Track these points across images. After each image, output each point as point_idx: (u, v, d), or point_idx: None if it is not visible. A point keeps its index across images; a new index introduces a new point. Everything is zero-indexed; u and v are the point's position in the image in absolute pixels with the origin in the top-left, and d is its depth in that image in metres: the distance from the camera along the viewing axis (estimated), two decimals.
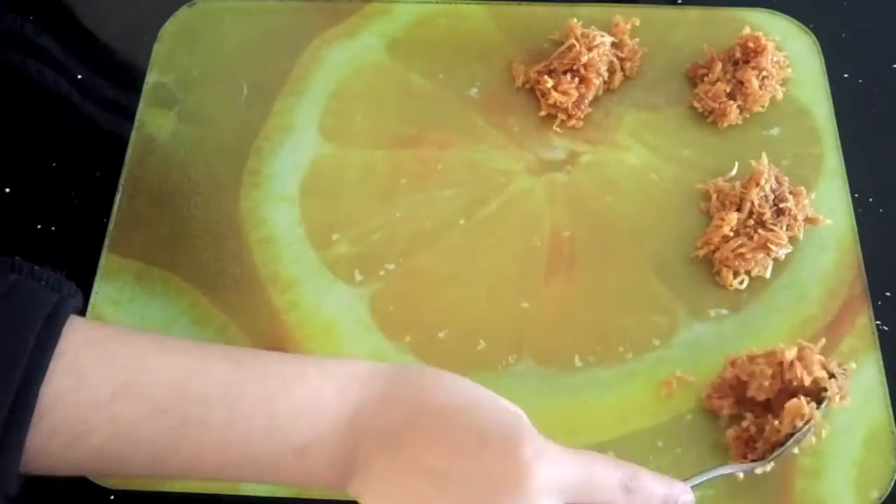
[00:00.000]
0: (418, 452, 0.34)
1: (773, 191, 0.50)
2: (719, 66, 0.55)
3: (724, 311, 0.48)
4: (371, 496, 0.35)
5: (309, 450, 0.34)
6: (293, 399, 0.35)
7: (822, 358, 0.44)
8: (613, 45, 0.55)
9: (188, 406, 0.33)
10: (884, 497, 0.43)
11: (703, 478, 0.41)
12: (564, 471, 0.35)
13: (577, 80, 0.54)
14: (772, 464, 0.43)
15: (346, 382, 0.36)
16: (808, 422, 0.42)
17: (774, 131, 0.54)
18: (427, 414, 0.35)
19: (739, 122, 0.54)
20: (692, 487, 0.38)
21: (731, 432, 0.44)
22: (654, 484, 0.37)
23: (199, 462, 0.34)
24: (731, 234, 0.49)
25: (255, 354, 0.36)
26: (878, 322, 0.48)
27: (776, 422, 0.42)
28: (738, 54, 0.55)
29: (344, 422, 0.35)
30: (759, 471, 0.43)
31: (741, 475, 0.43)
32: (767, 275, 0.49)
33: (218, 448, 0.34)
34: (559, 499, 0.35)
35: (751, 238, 0.49)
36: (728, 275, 0.48)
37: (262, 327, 0.48)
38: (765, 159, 0.51)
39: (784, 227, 0.49)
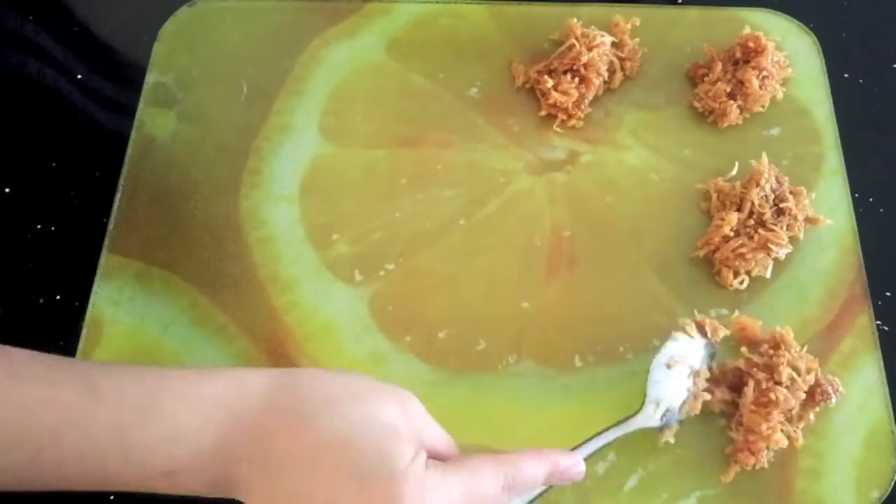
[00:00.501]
0: (299, 482, 0.34)
1: (773, 191, 0.50)
2: (719, 65, 0.55)
3: (724, 311, 0.48)
4: None
5: (174, 475, 0.34)
6: (147, 433, 0.34)
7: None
8: (613, 44, 0.55)
9: (41, 435, 0.33)
10: (884, 497, 0.43)
11: (592, 447, 0.42)
12: (450, 492, 0.35)
13: (577, 79, 0.54)
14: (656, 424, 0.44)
15: (209, 410, 0.34)
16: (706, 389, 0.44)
17: (775, 131, 0.54)
18: (300, 439, 0.34)
19: (739, 121, 0.54)
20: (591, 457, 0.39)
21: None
22: (533, 469, 0.37)
23: (66, 483, 0.34)
24: (732, 234, 0.49)
25: (112, 375, 0.35)
26: (878, 322, 0.48)
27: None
28: (738, 54, 0.55)
29: (207, 451, 0.34)
30: (657, 425, 0.44)
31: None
32: (768, 275, 0.49)
33: (80, 474, 0.33)
34: None
35: (751, 238, 0.49)
36: (728, 275, 0.48)
37: (261, 327, 0.48)
38: (765, 159, 0.51)
39: (784, 227, 0.49)
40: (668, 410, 0.44)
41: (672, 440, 0.44)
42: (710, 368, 0.45)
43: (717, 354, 0.46)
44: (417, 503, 0.33)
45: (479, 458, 0.36)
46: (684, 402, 0.44)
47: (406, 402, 0.37)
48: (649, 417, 0.44)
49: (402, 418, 0.35)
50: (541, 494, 0.39)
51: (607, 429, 0.43)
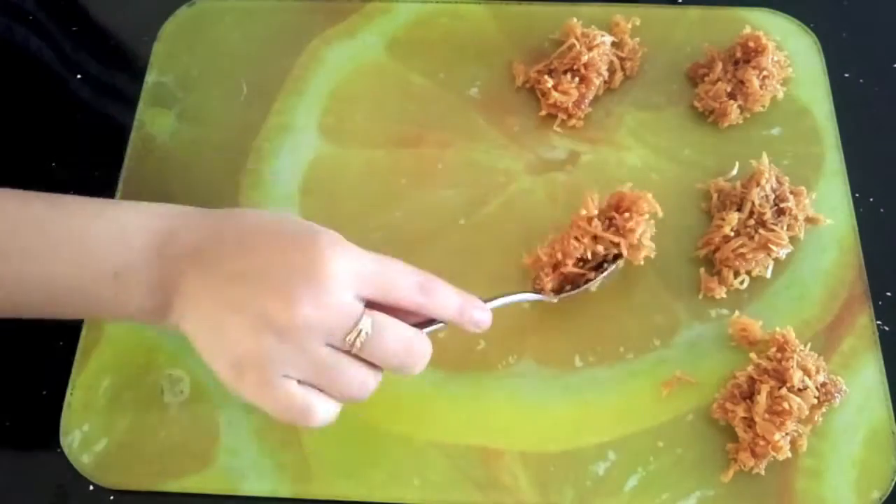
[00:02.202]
0: (225, 264, 0.37)
1: (773, 191, 0.50)
2: (720, 65, 0.54)
3: (724, 311, 0.48)
4: (190, 319, 0.38)
5: (123, 274, 0.37)
6: (102, 227, 0.38)
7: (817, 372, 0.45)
8: (614, 44, 0.55)
9: (2, 238, 0.37)
10: (884, 497, 0.43)
11: (500, 301, 0.43)
12: (362, 263, 0.38)
13: (577, 79, 0.54)
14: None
15: (157, 216, 0.39)
16: (615, 259, 0.47)
17: (775, 131, 0.54)
18: (232, 229, 0.38)
19: (740, 121, 0.54)
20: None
21: None
22: (448, 293, 0.40)
23: (24, 295, 0.38)
24: (732, 234, 0.48)
25: (75, 199, 0.40)
26: (878, 322, 0.48)
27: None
28: (738, 54, 0.55)
29: (153, 249, 0.38)
30: (555, 300, 0.47)
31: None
32: (768, 275, 0.49)
33: (40, 279, 0.37)
34: (357, 288, 0.37)
35: (751, 238, 0.48)
36: (728, 275, 0.48)
37: None
38: (765, 159, 0.51)
39: (785, 227, 0.49)
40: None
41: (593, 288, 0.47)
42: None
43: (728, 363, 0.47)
44: (329, 256, 0.37)
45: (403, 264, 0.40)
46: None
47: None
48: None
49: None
50: (438, 329, 0.41)
51: (515, 293, 0.46)
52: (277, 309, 0.36)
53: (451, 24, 0.59)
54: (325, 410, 0.38)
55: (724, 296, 0.48)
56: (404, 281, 0.39)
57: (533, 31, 0.58)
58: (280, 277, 0.36)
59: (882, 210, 0.52)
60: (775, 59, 0.54)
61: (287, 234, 0.38)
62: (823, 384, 0.44)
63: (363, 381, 0.38)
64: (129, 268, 0.38)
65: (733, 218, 0.49)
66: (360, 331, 0.37)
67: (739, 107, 0.53)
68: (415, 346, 0.39)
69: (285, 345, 0.36)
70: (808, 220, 0.50)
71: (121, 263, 0.37)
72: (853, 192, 0.52)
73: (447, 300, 0.40)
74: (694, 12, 0.59)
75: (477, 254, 0.50)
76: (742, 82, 0.54)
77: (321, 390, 0.38)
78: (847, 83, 0.56)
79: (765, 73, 0.53)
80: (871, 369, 0.47)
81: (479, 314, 0.41)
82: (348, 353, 0.38)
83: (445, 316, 0.40)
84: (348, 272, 0.37)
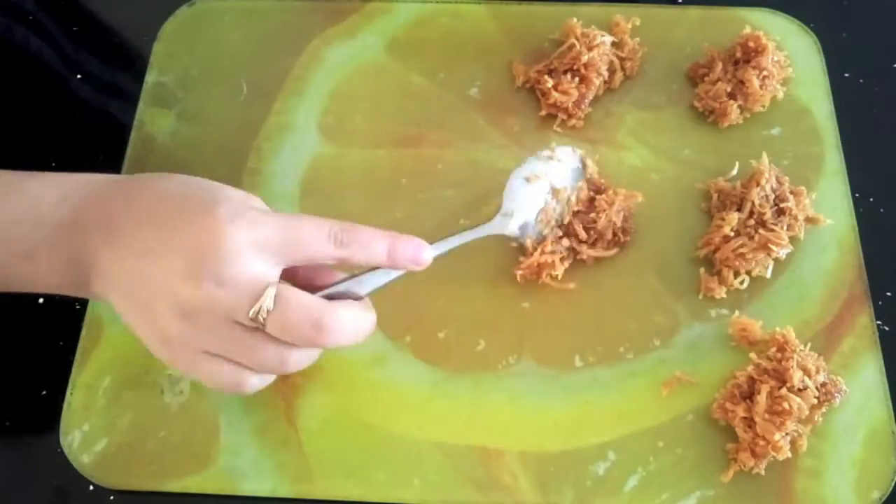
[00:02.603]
0: (134, 236, 0.37)
1: (773, 191, 0.50)
2: (720, 65, 0.54)
3: (724, 311, 0.48)
4: (113, 295, 0.37)
5: (36, 254, 0.37)
6: (12, 207, 0.37)
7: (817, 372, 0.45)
8: (614, 44, 0.55)
9: None
10: (884, 497, 0.43)
11: (442, 247, 0.43)
12: (264, 229, 0.36)
13: (577, 79, 0.54)
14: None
15: (68, 189, 0.38)
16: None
17: (775, 131, 0.54)
18: (141, 200, 0.37)
19: (740, 121, 0.54)
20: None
21: None
22: (371, 235, 0.39)
23: None
24: (732, 234, 0.48)
25: None
26: (878, 322, 0.48)
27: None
28: (738, 54, 0.55)
29: (66, 225, 0.37)
30: (507, 233, 0.47)
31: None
32: (768, 275, 0.49)
33: None
34: (264, 258, 0.36)
35: (751, 238, 0.48)
36: (728, 275, 0.48)
37: None
38: (765, 159, 0.51)
39: (785, 227, 0.49)
40: (525, 223, 0.47)
41: (529, 246, 0.48)
42: (576, 194, 0.48)
43: (580, 176, 0.49)
44: (228, 229, 0.35)
45: (314, 216, 0.38)
46: (539, 213, 0.47)
47: (248, 194, 0.39)
48: (503, 226, 0.47)
49: (237, 192, 0.39)
50: (394, 280, 0.40)
51: (461, 232, 0.45)
52: (185, 290, 0.35)
53: (451, 24, 0.59)
54: (256, 381, 0.38)
55: (724, 296, 0.48)
56: (315, 237, 0.38)
57: (533, 31, 0.58)
58: (185, 255, 0.36)
59: (882, 210, 0.52)
60: (775, 59, 0.54)
61: (192, 206, 0.37)
62: (823, 384, 0.44)
63: (280, 358, 0.38)
64: (41, 247, 0.37)
65: (733, 218, 0.49)
66: (261, 307, 0.36)
67: (739, 107, 0.53)
68: (325, 320, 0.37)
69: (198, 325, 0.36)
70: (808, 220, 0.50)
71: (32, 243, 0.37)
72: (853, 192, 0.52)
73: (371, 245, 0.39)
74: (694, 12, 0.59)
75: (477, 254, 0.50)
76: (742, 82, 0.53)
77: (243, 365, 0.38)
78: (847, 83, 0.56)
79: (765, 73, 0.53)
80: (871, 369, 0.47)
81: (412, 249, 0.39)
82: (261, 329, 0.37)
83: (375, 261, 0.39)
84: (249, 243, 0.36)
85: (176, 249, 0.36)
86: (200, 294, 0.35)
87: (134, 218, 0.37)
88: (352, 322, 0.38)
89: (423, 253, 0.40)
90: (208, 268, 0.35)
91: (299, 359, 0.39)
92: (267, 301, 0.36)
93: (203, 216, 0.36)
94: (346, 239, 0.38)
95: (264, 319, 0.36)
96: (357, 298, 0.41)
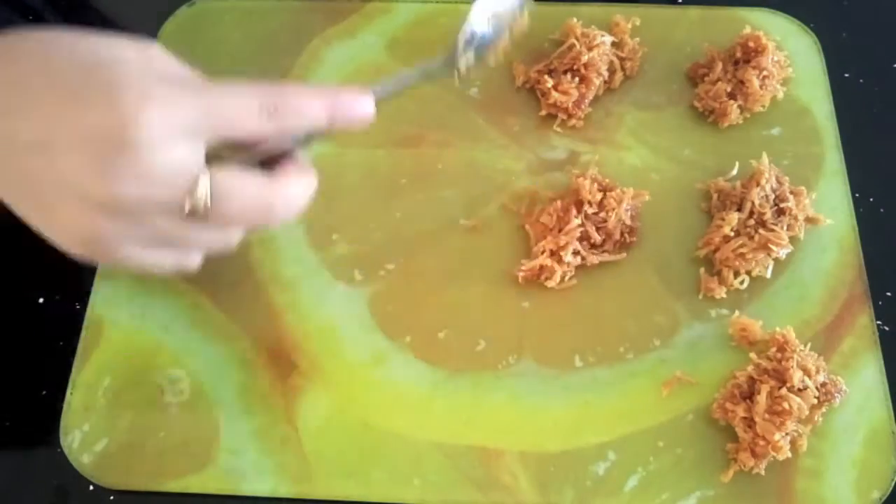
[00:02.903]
0: (16, 127, 0.30)
1: (773, 191, 0.50)
2: (720, 65, 0.54)
3: (724, 311, 0.48)
4: (7, 195, 0.32)
5: None
6: None
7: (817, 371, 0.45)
8: (614, 44, 0.55)
9: None
10: (884, 497, 0.43)
11: (389, 87, 0.38)
12: (182, 110, 0.31)
13: (577, 79, 0.54)
14: None
15: None
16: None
17: (775, 131, 0.54)
18: (19, 77, 0.31)
19: (740, 121, 0.54)
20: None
21: None
22: (306, 99, 0.34)
23: None
24: (732, 234, 0.49)
25: None
26: (878, 322, 0.48)
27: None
28: (738, 54, 0.54)
29: None
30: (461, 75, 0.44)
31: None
32: (768, 275, 0.49)
33: None
34: (186, 143, 0.31)
35: (751, 238, 0.48)
36: (728, 275, 0.48)
37: (261, 327, 0.48)
38: (765, 159, 0.51)
39: (785, 227, 0.49)
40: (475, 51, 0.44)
41: (463, 72, 0.44)
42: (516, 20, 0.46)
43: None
44: (139, 115, 0.30)
45: (237, 85, 0.33)
46: (489, 46, 0.44)
47: (147, 46, 0.33)
48: (443, 62, 0.43)
49: (135, 52, 0.32)
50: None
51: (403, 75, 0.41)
52: (95, 185, 0.30)
53: (451, 24, 0.59)
54: (193, 260, 0.35)
55: (724, 296, 0.48)
56: (242, 110, 0.33)
57: (533, 31, 0.58)
58: (90, 148, 0.30)
59: (882, 210, 0.52)
60: (775, 59, 0.54)
61: (89, 84, 0.31)
62: (823, 384, 0.44)
63: (226, 240, 0.34)
64: None
65: (733, 218, 0.49)
66: (198, 200, 0.32)
67: (739, 107, 0.53)
68: (274, 203, 0.34)
69: (118, 222, 0.32)
70: (808, 220, 0.50)
71: None
72: (853, 192, 0.52)
73: (308, 109, 0.34)
74: (694, 12, 0.59)
75: (477, 254, 0.50)
76: (742, 82, 0.53)
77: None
78: (847, 83, 0.56)
79: (765, 73, 0.53)
80: (871, 369, 0.47)
81: (356, 106, 0.36)
82: (201, 219, 0.33)
83: (315, 127, 0.35)
84: (171, 128, 0.31)
85: (77, 142, 0.30)
86: (116, 192, 0.30)
87: (12, 103, 0.31)
88: (300, 196, 0.35)
89: (368, 108, 0.36)
90: (122, 160, 0.30)
91: (243, 233, 0.35)
92: (202, 192, 0.32)
93: (102, 103, 0.30)
94: (278, 108, 0.33)
95: (205, 212, 0.32)
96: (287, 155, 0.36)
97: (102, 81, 0.30)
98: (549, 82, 0.54)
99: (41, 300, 0.50)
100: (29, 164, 0.31)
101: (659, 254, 0.50)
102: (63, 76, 0.31)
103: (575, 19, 0.56)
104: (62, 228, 0.32)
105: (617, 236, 0.49)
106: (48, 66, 0.31)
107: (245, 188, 0.33)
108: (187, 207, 0.32)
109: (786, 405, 0.43)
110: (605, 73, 0.55)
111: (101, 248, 0.33)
